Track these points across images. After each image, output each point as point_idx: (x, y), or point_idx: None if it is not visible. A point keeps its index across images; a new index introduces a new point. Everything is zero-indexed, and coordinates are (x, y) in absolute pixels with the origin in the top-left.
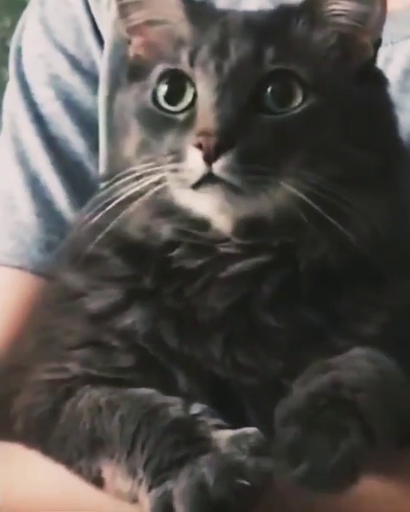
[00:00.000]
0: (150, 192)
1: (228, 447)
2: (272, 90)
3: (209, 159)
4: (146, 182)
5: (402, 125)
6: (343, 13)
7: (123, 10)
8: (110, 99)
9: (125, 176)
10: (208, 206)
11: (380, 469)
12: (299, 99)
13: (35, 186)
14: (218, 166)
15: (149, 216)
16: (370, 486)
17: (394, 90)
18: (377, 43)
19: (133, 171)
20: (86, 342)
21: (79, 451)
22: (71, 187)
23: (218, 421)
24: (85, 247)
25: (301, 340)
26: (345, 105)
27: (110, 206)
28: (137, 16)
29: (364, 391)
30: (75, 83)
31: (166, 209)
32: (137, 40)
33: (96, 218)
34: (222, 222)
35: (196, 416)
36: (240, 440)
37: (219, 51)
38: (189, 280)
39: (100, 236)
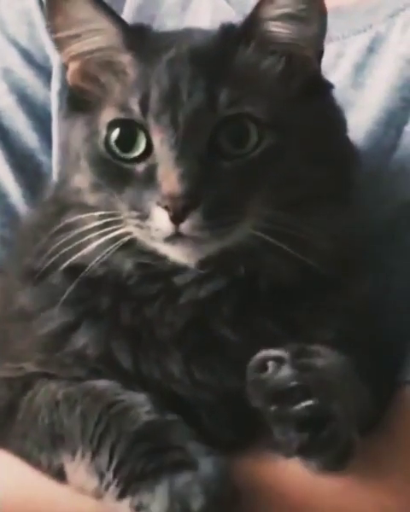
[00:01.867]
0: (111, 235)
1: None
2: (227, 134)
3: (176, 220)
4: (108, 226)
5: (353, 123)
6: (284, 34)
7: (59, 43)
8: (63, 93)
9: (80, 208)
10: (176, 255)
11: None
12: (255, 139)
13: None
14: (185, 226)
15: (109, 251)
16: (324, 480)
17: (345, 86)
18: (320, 54)
19: (87, 206)
20: (40, 350)
21: (39, 446)
22: (24, 181)
23: (189, 429)
24: (35, 266)
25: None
26: (301, 130)
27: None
28: (75, 48)
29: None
30: (28, 77)
31: (127, 244)
32: (73, 67)
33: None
34: (185, 260)
35: (169, 422)
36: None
37: (171, 99)
38: (147, 302)
39: (48, 260)
